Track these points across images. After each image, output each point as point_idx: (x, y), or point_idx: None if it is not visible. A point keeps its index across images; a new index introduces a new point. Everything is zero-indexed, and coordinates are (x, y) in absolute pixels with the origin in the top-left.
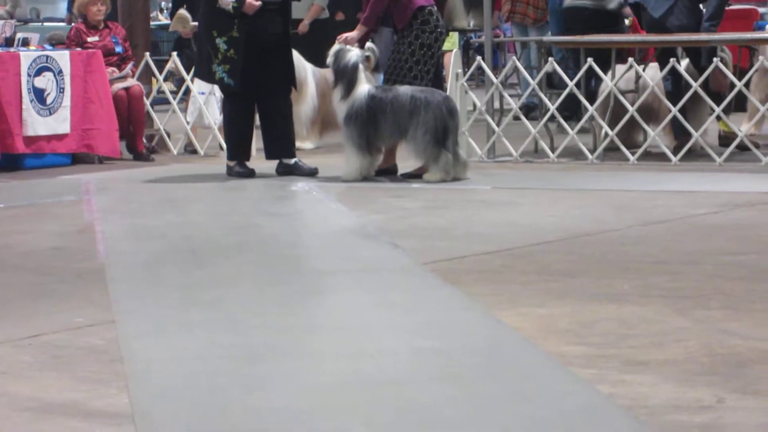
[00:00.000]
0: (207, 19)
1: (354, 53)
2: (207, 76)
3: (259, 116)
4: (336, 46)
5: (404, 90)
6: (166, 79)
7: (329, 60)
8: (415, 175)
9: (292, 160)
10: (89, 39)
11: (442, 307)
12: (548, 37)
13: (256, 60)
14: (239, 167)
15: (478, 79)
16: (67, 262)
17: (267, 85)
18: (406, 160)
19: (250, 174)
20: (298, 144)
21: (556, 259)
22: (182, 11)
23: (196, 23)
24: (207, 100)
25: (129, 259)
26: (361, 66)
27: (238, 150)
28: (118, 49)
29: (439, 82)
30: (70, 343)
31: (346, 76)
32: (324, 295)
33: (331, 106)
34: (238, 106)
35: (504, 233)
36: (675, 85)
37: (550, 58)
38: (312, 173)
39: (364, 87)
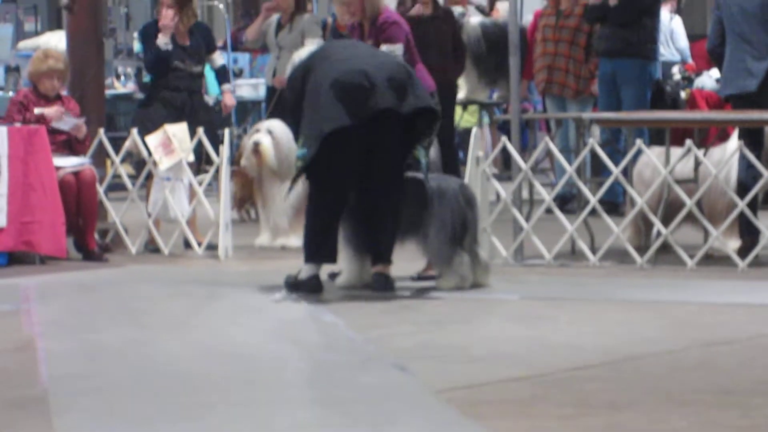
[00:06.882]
0: None
1: None
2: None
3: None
4: None
5: (408, 175)
6: (123, 161)
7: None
8: (430, 277)
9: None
10: (36, 111)
11: None
12: (588, 114)
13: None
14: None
15: (503, 164)
16: (1, 389)
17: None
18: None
19: (315, 287)
20: (281, 241)
21: (599, 387)
22: None
23: None
24: (173, 187)
25: (78, 385)
26: None
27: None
28: None
29: (455, 166)
30: None
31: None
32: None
33: None
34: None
35: (535, 355)
36: (746, 174)
37: (591, 139)
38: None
39: None
